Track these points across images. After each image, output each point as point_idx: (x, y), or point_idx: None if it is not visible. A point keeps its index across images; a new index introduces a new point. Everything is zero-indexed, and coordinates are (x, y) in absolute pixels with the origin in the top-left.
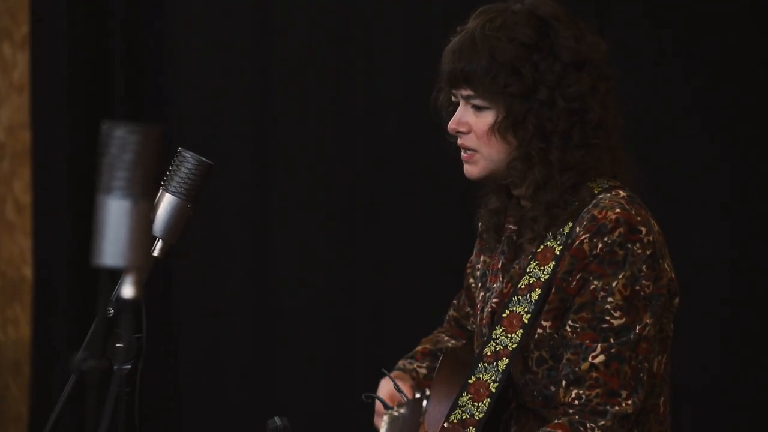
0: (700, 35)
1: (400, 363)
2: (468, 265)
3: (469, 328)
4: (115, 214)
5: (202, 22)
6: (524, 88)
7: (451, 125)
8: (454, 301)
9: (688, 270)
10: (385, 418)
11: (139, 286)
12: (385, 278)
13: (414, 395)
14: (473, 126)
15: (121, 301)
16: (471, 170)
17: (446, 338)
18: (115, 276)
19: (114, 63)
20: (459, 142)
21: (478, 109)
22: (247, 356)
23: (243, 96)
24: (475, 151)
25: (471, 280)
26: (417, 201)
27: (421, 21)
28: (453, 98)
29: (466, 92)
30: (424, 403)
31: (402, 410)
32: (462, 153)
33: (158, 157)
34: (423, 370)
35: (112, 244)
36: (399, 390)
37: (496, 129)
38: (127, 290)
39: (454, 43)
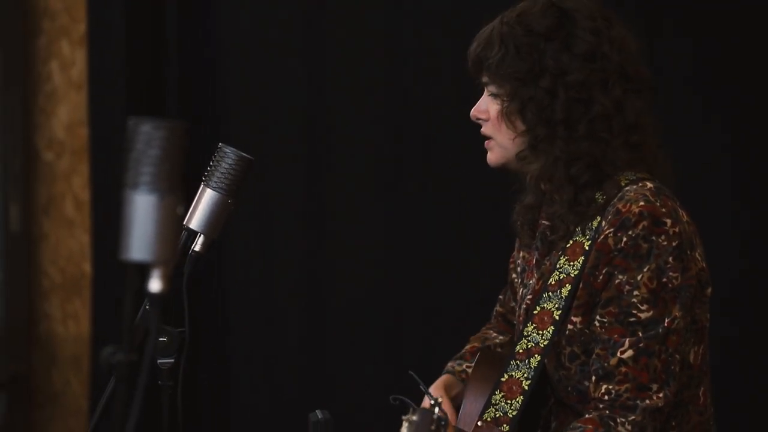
0: (701, 34)
1: (449, 365)
2: (511, 260)
3: (514, 322)
4: (141, 209)
5: (255, 19)
6: (528, 74)
7: (472, 113)
8: (500, 297)
9: None
10: (404, 423)
11: (167, 280)
12: (435, 278)
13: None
14: (490, 113)
15: (151, 295)
16: (489, 158)
17: (494, 334)
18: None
19: (169, 61)
20: (481, 130)
21: (493, 96)
22: (297, 353)
23: (295, 93)
24: (492, 138)
25: (513, 275)
26: (468, 198)
27: (470, 21)
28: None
29: (484, 79)
30: (436, 410)
31: (415, 417)
32: (484, 142)
33: (184, 152)
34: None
35: (139, 238)
36: (427, 392)
37: (504, 113)
38: (155, 284)
39: (479, 33)
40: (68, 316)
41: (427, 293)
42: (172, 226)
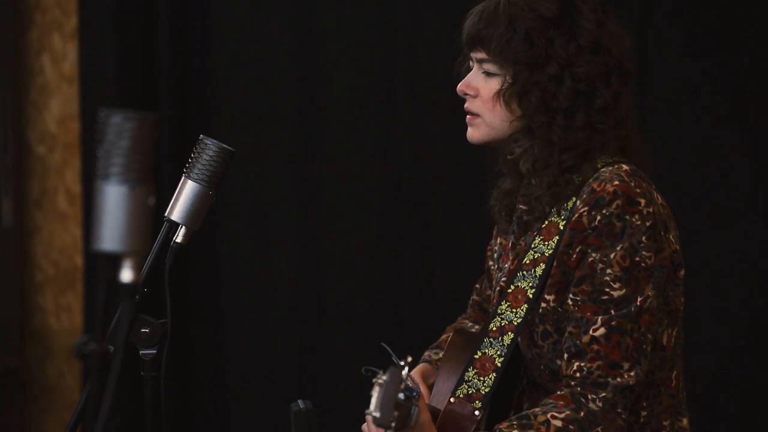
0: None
1: (426, 354)
2: (488, 248)
3: (490, 311)
4: (112, 200)
5: (247, 13)
6: (534, 58)
7: (460, 87)
8: (477, 286)
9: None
10: (375, 386)
11: (138, 271)
12: (431, 273)
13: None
14: (480, 90)
15: (122, 285)
16: (472, 133)
17: (470, 324)
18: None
19: (161, 53)
20: (465, 105)
21: (488, 74)
22: (292, 347)
23: (289, 89)
24: (477, 115)
25: (491, 263)
26: (462, 195)
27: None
28: (470, 63)
29: (480, 55)
30: (405, 370)
31: (384, 377)
32: (467, 116)
33: (155, 143)
34: None
35: (111, 229)
36: (397, 362)
37: (502, 95)
38: (126, 275)
39: (478, 7)
40: (62, 309)
41: (423, 286)
42: (144, 217)
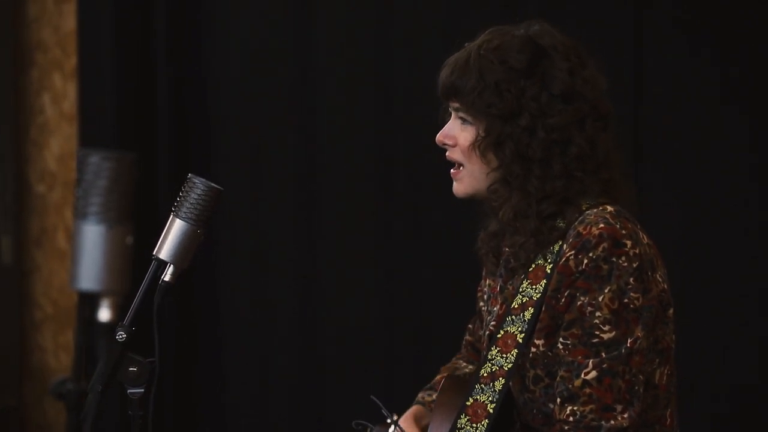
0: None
1: (420, 396)
2: (479, 288)
3: (481, 354)
4: (90, 240)
5: (247, 48)
6: (506, 110)
7: (439, 137)
8: (469, 326)
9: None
10: None
11: (116, 310)
12: (431, 288)
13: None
14: (458, 139)
15: (100, 325)
16: (457, 188)
17: (464, 364)
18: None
19: (159, 93)
20: (446, 155)
21: (464, 122)
22: (293, 368)
23: (286, 122)
24: (461, 165)
25: (481, 304)
26: (464, 207)
27: (460, 26)
28: (450, 110)
29: (454, 105)
30: (391, 429)
31: None
32: (451, 170)
33: (133, 182)
34: None
35: (88, 268)
36: (388, 414)
37: (477, 146)
38: (104, 314)
39: (452, 57)
40: (60, 348)
41: (422, 310)
42: (121, 256)
